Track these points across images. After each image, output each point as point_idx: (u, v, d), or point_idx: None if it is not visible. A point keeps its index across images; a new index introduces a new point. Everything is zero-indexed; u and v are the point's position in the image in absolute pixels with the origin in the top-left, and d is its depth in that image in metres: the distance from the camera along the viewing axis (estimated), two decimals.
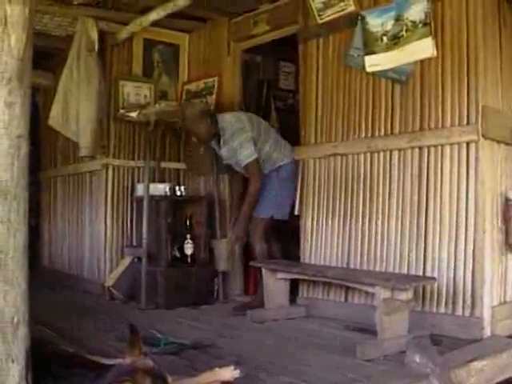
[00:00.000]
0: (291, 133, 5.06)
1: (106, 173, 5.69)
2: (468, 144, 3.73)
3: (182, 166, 6.11)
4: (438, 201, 3.87)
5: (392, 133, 4.18)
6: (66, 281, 6.26)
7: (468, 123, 3.73)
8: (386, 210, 4.18)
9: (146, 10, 5.26)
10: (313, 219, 4.69)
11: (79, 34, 5.33)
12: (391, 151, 4.16)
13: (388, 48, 4.09)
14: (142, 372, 2.22)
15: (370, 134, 4.32)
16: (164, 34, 5.91)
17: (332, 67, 4.59)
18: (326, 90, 4.64)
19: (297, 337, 3.93)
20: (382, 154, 4.23)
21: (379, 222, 4.22)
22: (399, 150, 4.11)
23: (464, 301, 3.71)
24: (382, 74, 4.20)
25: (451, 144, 3.81)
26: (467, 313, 3.70)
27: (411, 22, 3.95)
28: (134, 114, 5.44)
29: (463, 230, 3.73)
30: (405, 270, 4.02)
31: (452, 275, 3.77)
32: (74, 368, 2.76)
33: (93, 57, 5.30)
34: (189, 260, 5.25)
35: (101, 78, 5.34)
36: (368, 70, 4.25)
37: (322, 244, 4.61)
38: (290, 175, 4.83)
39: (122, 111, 5.55)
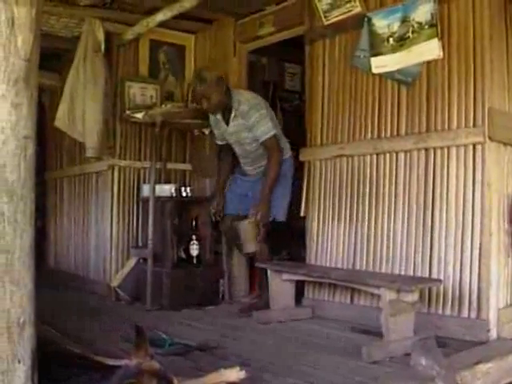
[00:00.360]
0: (297, 134, 5.05)
1: (112, 173, 5.70)
2: (474, 146, 3.72)
3: (187, 167, 6.11)
4: (444, 202, 3.86)
5: (398, 134, 4.17)
6: (71, 281, 6.27)
7: (474, 125, 3.72)
8: (392, 212, 4.17)
9: (152, 11, 5.27)
10: (319, 220, 4.69)
11: (85, 34, 5.34)
12: (397, 153, 4.16)
13: (394, 49, 4.09)
14: (148, 374, 2.23)
15: (376, 136, 4.31)
16: (170, 35, 5.92)
17: (338, 68, 4.59)
18: (332, 91, 4.64)
19: (302, 338, 3.92)
20: (388, 155, 4.22)
21: (385, 224, 4.21)
22: (405, 152, 4.10)
23: (470, 303, 3.70)
24: (388, 75, 4.19)
25: (457, 146, 3.80)
26: (473, 315, 3.69)
27: (418, 23, 3.94)
28: (140, 115, 5.43)
29: (469, 232, 3.72)
30: (411, 272, 4.01)
31: (458, 277, 3.76)
32: (79, 368, 2.78)
33: (99, 58, 5.31)
34: (194, 261, 5.25)
35: (107, 78, 5.35)
36: (374, 71, 4.25)
37: (327, 245, 4.61)
38: (288, 171, 4.79)
39: (128, 112, 5.55)
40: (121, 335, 3.71)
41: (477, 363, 3.11)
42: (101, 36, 5.34)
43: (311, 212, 4.75)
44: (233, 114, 4.65)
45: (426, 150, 3.97)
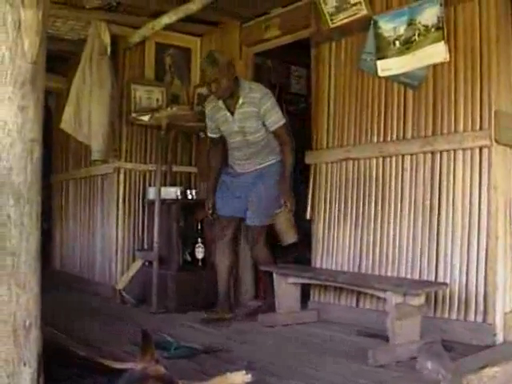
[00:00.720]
0: (303, 137, 5.05)
1: (118, 176, 5.71)
2: (481, 149, 3.71)
3: (193, 169, 6.11)
4: (451, 206, 3.85)
5: (404, 137, 4.16)
6: (77, 283, 6.29)
7: (481, 128, 3.71)
8: (398, 215, 4.17)
9: (157, 14, 5.28)
10: (324, 223, 4.68)
11: (92, 37, 5.35)
12: (403, 156, 4.15)
13: (400, 52, 4.08)
14: (154, 379, 2.22)
15: (382, 139, 4.31)
16: (176, 38, 5.93)
17: (344, 71, 4.59)
18: (338, 94, 4.64)
19: (307, 341, 3.92)
20: (394, 158, 4.21)
21: (391, 227, 4.21)
22: (411, 155, 4.10)
23: (476, 307, 3.69)
24: (394, 78, 4.19)
25: (464, 149, 3.79)
26: (479, 319, 3.68)
27: (424, 26, 3.94)
28: (145, 118, 5.44)
29: (476, 235, 3.71)
30: (417, 275, 4.00)
31: (464, 281, 3.75)
32: (79, 369, 2.79)
33: (105, 60, 5.32)
34: (200, 264, 5.25)
35: (113, 81, 5.36)
36: (380, 74, 4.25)
37: (333, 248, 4.60)
38: (277, 174, 4.65)
39: (133, 115, 5.56)
40: (128, 338, 3.70)
41: (483, 367, 3.09)
42: (107, 39, 5.35)
43: (317, 215, 4.75)
44: (240, 101, 4.52)
45: (433, 153, 3.97)
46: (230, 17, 5.68)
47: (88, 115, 5.28)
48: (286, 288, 4.48)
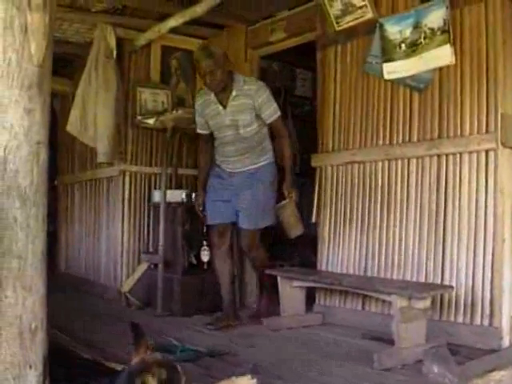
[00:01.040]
0: (308, 140, 5.05)
1: (123, 179, 5.72)
2: (487, 152, 3.70)
3: None
4: (457, 209, 3.84)
5: (410, 140, 4.16)
6: (82, 286, 6.30)
7: (487, 131, 3.70)
8: (404, 218, 4.16)
9: (163, 17, 5.29)
10: (330, 226, 4.68)
11: (97, 40, 5.37)
12: (409, 159, 4.14)
13: (406, 55, 4.08)
14: (156, 365, 2.22)
15: (387, 142, 4.30)
16: (181, 41, 5.93)
17: (350, 74, 4.59)
18: (343, 97, 4.64)
19: (313, 345, 3.92)
20: (399, 161, 4.21)
21: (397, 230, 4.20)
22: (417, 158, 4.09)
23: (482, 310, 3.68)
24: (400, 81, 4.18)
25: (470, 152, 3.78)
26: (485, 322, 3.67)
27: (430, 29, 3.93)
28: (151, 121, 5.45)
29: (482, 239, 3.70)
30: (422, 278, 3.99)
31: (470, 284, 3.74)
32: (80, 369, 2.79)
33: (111, 63, 5.33)
34: (205, 267, 5.24)
35: (119, 84, 5.37)
36: (386, 77, 4.25)
37: (339, 251, 4.59)
38: (271, 175, 4.59)
39: (139, 118, 5.57)
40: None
41: (489, 371, 3.09)
42: (112, 42, 5.36)
43: (323, 218, 4.74)
44: (234, 93, 4.42)
45: (439, 156, 3.96)
46: (235, 20, 5.69)
47: (94, 118, 5.29)
48: (291, 291, 4.47)
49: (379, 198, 4.33)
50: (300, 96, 7.37)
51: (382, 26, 4.24)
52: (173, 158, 5.68)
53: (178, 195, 5.29)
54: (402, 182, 4.19)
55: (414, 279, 4.03)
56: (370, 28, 4.33)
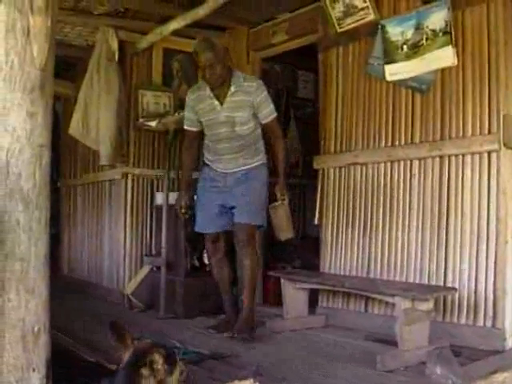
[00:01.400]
0: (311, 142, 5.04)
1: (126, 181, 5.71)
2: (489, 153, 3.70)
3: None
4: (459, 210, 3.84)
5: (412, 142, 4.16)
6: (85, 288, 6.29)
7: (489, 132, 3.70)
8: (407, 220, 4.16)
9: (165, 20, 5.29)
10: (333, 228, 4.68)
11: (99, 43, 5.37)
12: (411, 160, 4.14)
13: (408, 57, 4.08)
14: (155, 349, 2.24)
15: (390, 143, 4.30)
16: (183, 43, 5.91)
17: (352, 76, 4.59)
18: (345, 98, 4.64)
19: (316, 347, 3.91)
20: (402, 163, 4.21)
21: (399, 232, 4.20)
22: (419, 159, 4.09)
23: (485, 312, 3.68)
24: (402, 83, 4.18)
25: (472, 153, 3.78)
26: (489, 324, 3.67)
27: (431, 30, 3.93)
28: (153, 123, 5.45)
29: (484, 240, 3.70)
30: (425, 280, 3.99)
31: (473, 286, 3.74)
32: (80, 370, 2.80)
33: (113, 66, 5.33)
34: (208, 269, 5.23)
35: (121, 87, 5.37)
36: (388, 79, 4.25)
37: (341, 253, 4.60)
38: (264, 176, 4.46)
39: (141, 120, 5.57)
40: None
41: (493, 373, 3.08)
42: (114, 45, 5.36)
43: (325, 220, 4.74)
44: (232, 89, 4.29)
45: (441, 157, 3.96)
46: (237, 22, 5.69)
47: (96, 120, 5.29)
48: (294, 293, 4.47)
49: (382, 199, 4.33)
50: (302, 98, 7.35)
51: (383, 27, 4.24)
52: (175, 160, 5.67)
53: None
54: (404, 183, 4.19)
55: (417, 281, 4.03)
56: (372, 29, 4.33)
